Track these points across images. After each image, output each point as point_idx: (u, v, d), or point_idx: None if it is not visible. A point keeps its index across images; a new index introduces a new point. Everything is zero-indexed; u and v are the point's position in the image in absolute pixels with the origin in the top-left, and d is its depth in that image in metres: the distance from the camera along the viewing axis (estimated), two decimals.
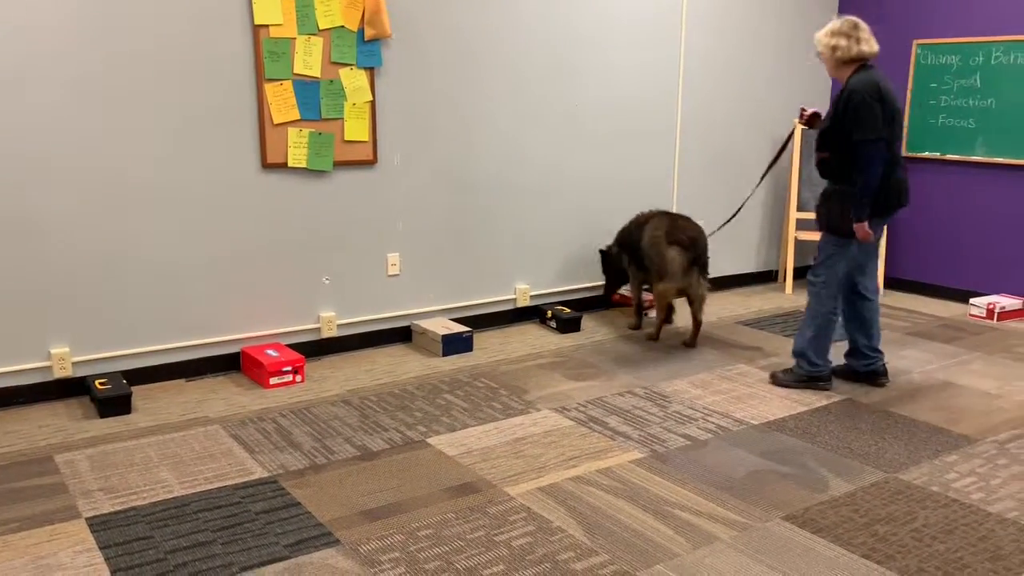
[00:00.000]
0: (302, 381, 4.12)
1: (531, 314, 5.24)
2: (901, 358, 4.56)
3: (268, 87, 4.10)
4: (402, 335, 4.78)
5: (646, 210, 5.24)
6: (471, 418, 3.68)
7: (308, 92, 4.21)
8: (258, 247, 4.24)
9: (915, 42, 5.85)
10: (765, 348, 4.72)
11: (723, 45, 5.74)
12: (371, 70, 4.37)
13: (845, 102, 3.69)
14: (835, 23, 3.80)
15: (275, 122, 4.15)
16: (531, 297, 5.20)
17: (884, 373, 4.11)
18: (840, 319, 4.07)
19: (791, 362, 4.45)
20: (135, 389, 3.98)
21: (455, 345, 4.56)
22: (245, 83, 4.06)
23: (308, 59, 4.17)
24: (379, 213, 4.58)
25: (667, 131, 5.59)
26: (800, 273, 6.52)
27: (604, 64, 5.22)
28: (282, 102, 4.15)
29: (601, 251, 5.20)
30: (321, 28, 4.17)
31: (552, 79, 5.03)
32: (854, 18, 3.80)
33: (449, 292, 4.91)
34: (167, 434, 3.49)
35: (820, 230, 3.93)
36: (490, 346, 4.73)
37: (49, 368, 3.81)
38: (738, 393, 4.01)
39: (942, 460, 3.29)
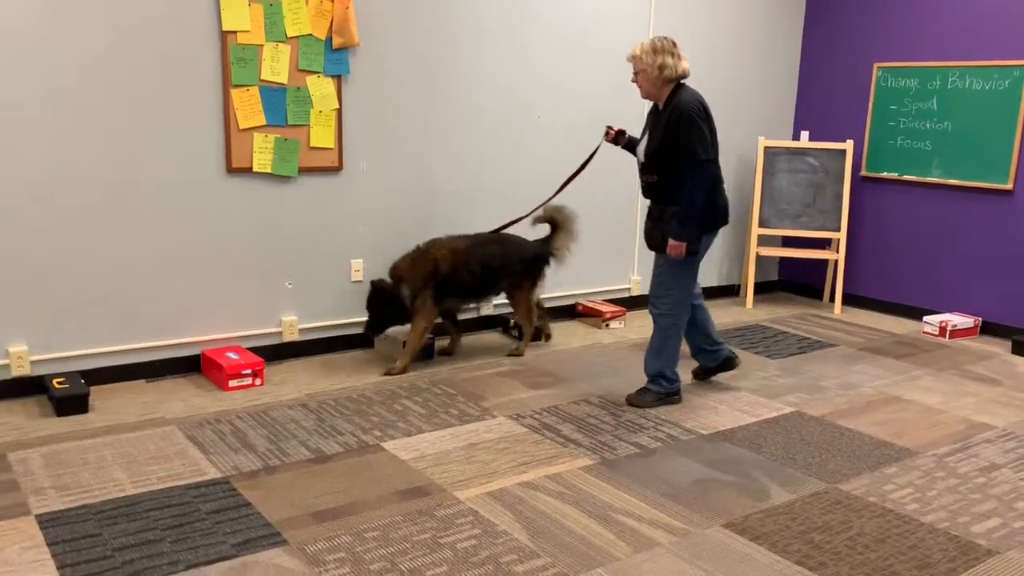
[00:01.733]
0: (261, 384, 4.16)
1: (494, 323, 5.30)
2: (853, 373, 4.67)
3: (235, 92, 4.14)
4: (364, 341, 4.82)
5: (430, 241, 4.53)
6: (427, 423, 3.73)
7: (275, 98, 4.25)
8: (221, 250, 4.28)
9: (876, 65, 6.00)
10: None
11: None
12: (338, 78, 4.43)
13: (676, 122, 3.64)
14: (654, 41, 3.70)
15: (241, 127, 4.19)
16: (493, 306, 5.26)
17: (734, 356, 4.30)
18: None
19: (748, 373, 4.55)
20: (94, 389, 3.99)
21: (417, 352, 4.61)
22: (211, 88, 4.10)
23: (275, 66, 4.22)
24: (343, 219, 4.63)
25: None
26: (762, 288, 6.64)
27: (565, 77, 5.30)
28: (248, 108, 4.19)
29: (378, 288, 4.40)
30: (289, 36, 4.23)
31: (515, 90, 5.11)
32: (668, 36, 3.75)
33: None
34: (123, 434, 3.51)
35: (658, 252, 3.89)
36: (455, 353, 4.78)
37: (7, 366, 3.82)
38: (691, 404, 4.09)
39: (882, 472, 3.39)
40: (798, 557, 2.72)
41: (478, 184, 5.07)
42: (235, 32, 4.09)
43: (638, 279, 5.92)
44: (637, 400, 4.02)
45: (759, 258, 6.49)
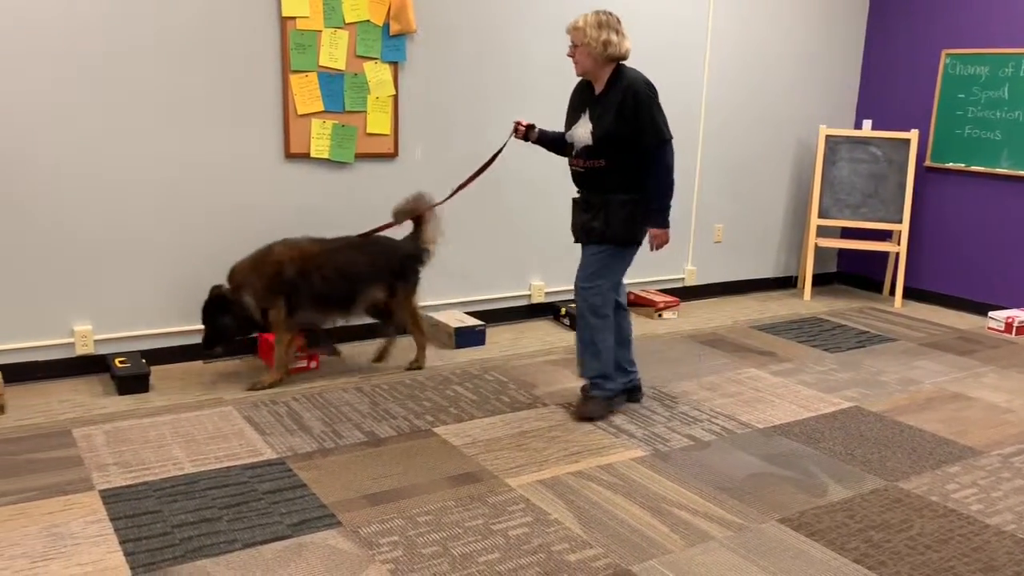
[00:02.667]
0: (316, 367, 4.21)
1: (545, 311, 5.28)
2: (914, 368, 4.55)
3: (293, 78, 4.18)
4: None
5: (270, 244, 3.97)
6: (478, 410, 3.74)
7: (333, 84, 4.28)
8: (279, 234, 4.32)
9: (944, 51, 5.81)
10: (779, 353, 4.73)
11: (746, 53, 5.74)
12: (395, 64, 4.44)
13: (635, 103, 3.37)
14: (598, 15, 3.40)
15: (299, 113, 4.23)
16: (545, 294, 5.25)
17: (640, 388, 3.90)
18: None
19: (805, 367, 4.46)
20: (154, 369, 4.08)
21: (468, 338, 4.62)
22: (271, 74, 4.15)
23: (334, 52, 4.24)
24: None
25: (689, 139, 5.60)
26: (820, 280, 6.51)
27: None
28: (307, 93, 4.23)
29: (215, 296, 3.87)
30: (347, 22, 4.25)
31: (571, 77, 5.05)
32: (613, 12, 3.46)
33: (464, 286, 4.97)
34: (181, 413, 3.58)
35: (592, 243, 3.56)
36: (502, 341, 4.78)
37: (72, 345, 3.92)
38: (746, 397, 4.03)
39: (944, 471, 3.29)
40: (856, 555, 2.66)
41: (531, 170, 5.04)
42: (294, 18, 4.12)
43: (693, 269, 5.84)
44: (586, 412, 3.66)
45: (818, 249, 6.36)
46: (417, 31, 4.46)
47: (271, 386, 3.91)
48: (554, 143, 3.79)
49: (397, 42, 4.42)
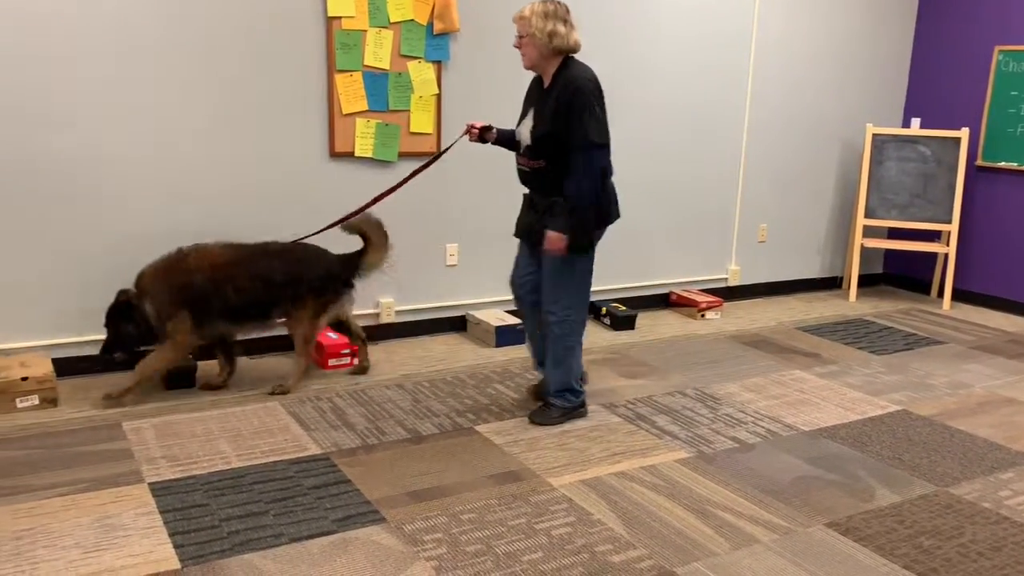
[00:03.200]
0: (357, 364, 4.24)
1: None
2: (963, 371, 4.45)
3: (339, 77, 4.22)
4: (457, 324, 4.87)
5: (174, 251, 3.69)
6: (520, 408, 3.74)
7: (377, 84, 4.31)
8: (323, 233, 4.36)
9: (997, 48, 5.68)
10: (824, 355, 4.66)
11: (791, 49, 5.66)
12: (438, 63, 4.46)
13: (570, 100, 3.18)
14: (545, 4, 3.22)
15: (344, 112, 4.27)
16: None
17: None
18: (527, 335, 3.75)
19: (851, 369, 4.40)
20: (201, 364, 4.13)
21: (508, 337, 4.63)
22: (316, 73, 4.19)
23: (378, 51, 4.27)
24: (440, 204, 4.66)
25: (733, 137, 5.55)
26: (866, 281, 6.40)
27: (670, 67, 5.20)
28: (352, 93, 4.26)
29: (120, 301, 3.61)
30: (392, 21, 4.27)
31: (616, 80, 5.04)
32: (563, 2, 3.26)
33: (505, 284, 4.97)
34: (228, 408, 3.64)
35: (552, 252, 3.37)
36: None
37: None
38: (791, 399, 3.98)
39: (997, 477, 3.22)
40: (906, 561, 2.62)
41: None
42: (340, 18, 4.15)
43: (737, 269, 5.78)
44: (541, 418, 3.56)
45: (864, 250, 6.25)
46: (461, 30, 4.47)
47: (123, 396, 3.58)
48: (510, 142, 3.58)
49: (441, 41, 4.43)
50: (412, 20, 4.32)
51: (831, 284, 6.30)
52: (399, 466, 3.15)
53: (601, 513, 2.85)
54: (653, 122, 5.23)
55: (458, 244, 4.77)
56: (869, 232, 6.18)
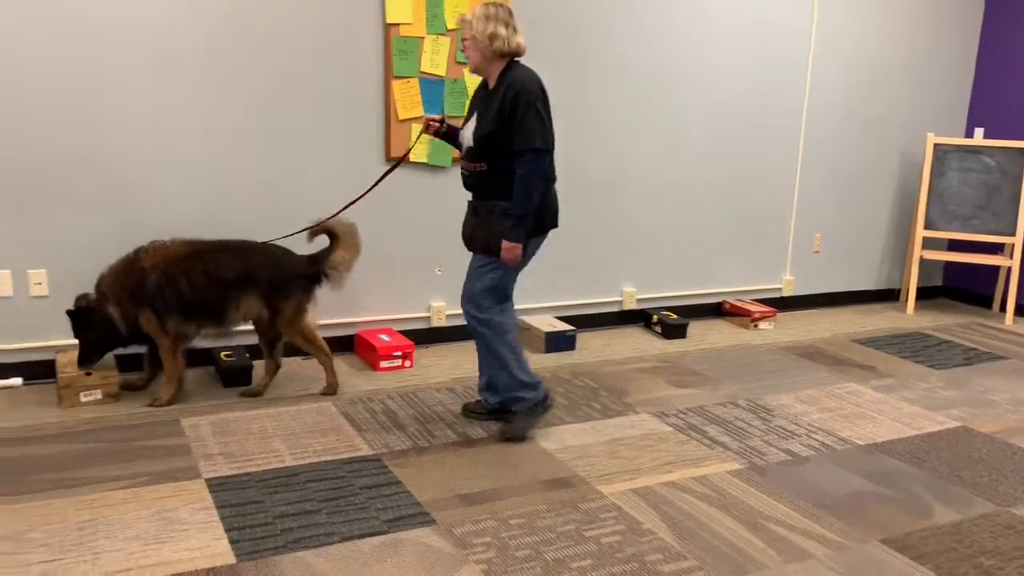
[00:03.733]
0: (411, 366, 4.28)
1: (636, 317, 5.24)
2: None
3: (395, 84, 4.27)
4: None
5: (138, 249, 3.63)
6: (569, 415, 3.73)
7: (433, 90, 4.35)
8: (377, 236, 4.43)
9: None
10: (880, 368, 4.57)
11: (851, 56, 5.57)
12: None
13: (513, 103, 3.13)
14: (487, 7, 3.19)
15: (400, 118, 4.32)
16: (637, 300, 5.21)
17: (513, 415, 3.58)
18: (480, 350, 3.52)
19: (908, 383, 4.30)
20: (256, 363, 4.22)
21: (558, 343, 4.63)
22: (374, 79, 4.25)
23: (435, 58, 4.32)
24: None
25: (788, 144, 5.48)
26: (924, 294, 6.26)
27: (723, 69, 5.16)
28: (408, 99, 4.31)
29: (80, 308, 3.58)
30: (449, 28, 4.31)
31: (668, 82, 5.02)
32: (506, 3, 3.23)
33: (555, 290, 4.98)
34: (282, 407, 3.70)
35: (480, 253, 3.36)
36: (593, 346, 4.77)
37: None
38: (846, 412, 3.91)
39: None
40: None
41: (627, 178, 5.01)
42: (398, 24, 4.21)
43: (791, 279, 5.70)
44: (513, 432, 3.45)
45: (923, 261, 6.12)
46: None
47: (170, 402, 3.66)
48: (454, 140, 3.52)
49: None
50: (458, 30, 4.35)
51: (888, 296, 6.18)
52: (449, 469, 3.17)
53: (651, 522, 2.83)
54: (707, 127, 5.19)
55: None
56: (928, 244, 6.04)
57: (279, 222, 4.19)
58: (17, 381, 3.81)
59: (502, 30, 3.16)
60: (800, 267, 5.74)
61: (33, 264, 3.79)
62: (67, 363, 3.66)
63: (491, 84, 3.28)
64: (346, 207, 3.87)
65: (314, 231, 3.78)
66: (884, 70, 5.70)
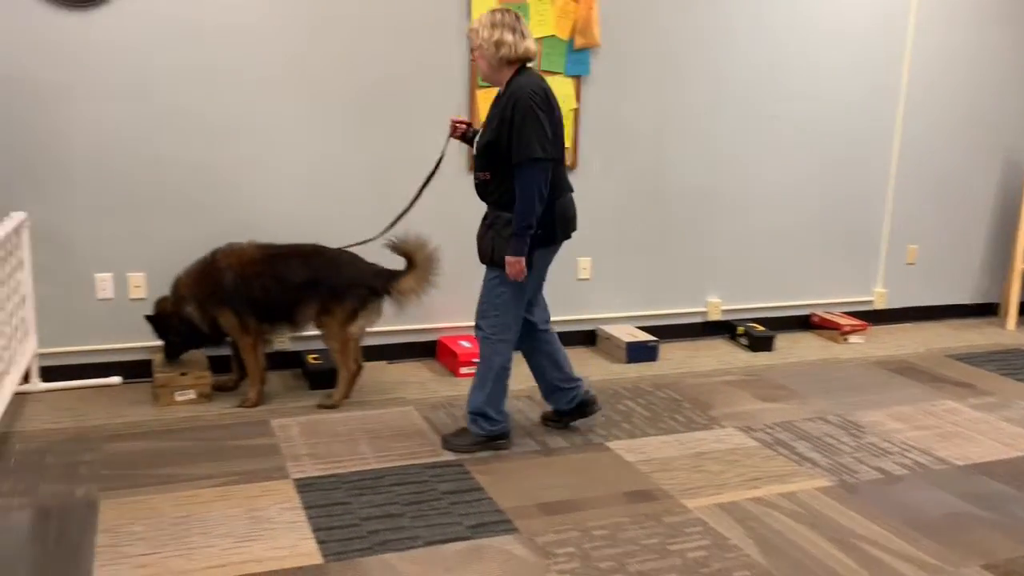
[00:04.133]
0: None
1: (721, 329, 5.15)
2: None
3: (480, 93, 4.31)
4: (587, 338, 4.86)
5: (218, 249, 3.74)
6: (651, 427, 3.69)
7: None
8: (460, 243, 4.45)
9: None
10: (978, 386, 4.38)
11: (951, 55, 5.36)
12: (578, 78, 4.48)
13: (511, 111, 3.05)
14: (493, 14, 3.11)
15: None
16: (722, 312, 5.11)
17: (593, 400, 3.60)
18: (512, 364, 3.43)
19: (1010, 402, 4.11)
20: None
21: (640, 353, 4.58)
22: (459, 88, 4.29)
23: None
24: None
25: (880, 150, 5.30)
26: None
27: (813, 75, 5.03)
28: None
29: (158, 313, 3.76)
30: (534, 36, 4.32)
31: (757, 91, 4.92)
32: (514, 9, 3.16)
33: (637, 300, 4.93)
34: (367, 410, 3.76)
35: (485, 264, 3.30)
36: (675, 357, 4.70)
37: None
38: (943, 430, 3.75)
39: None
40: None
41: (714, 186, 4.94)
42: None
43: (883, 291, 5.51)
44: (453, 443, 3.39)
45: None
46: (602, 45, 4.48)
47: (256, 402, 3.75)
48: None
49: (581, 56, 4.45)
50: (553, 35, 4.37)
51: (986, 311, 5.91)
52: (530, 477, 3.16)
53: (737, 538, 2.77)
54: (798, 132, 5.07)
55: (591, 258, 4.76)
56: None
57: (372, 226, 4.26)
58: (116, 380, 3.97)
59: (508, 36, 3.08)
60: (893, 279, 5.55)
61: (133, 267, 3.95)
62: (163, 364, 3.80)
63: (501, 92, 3.22)
64: (393, 223, 3.78)
65: (393, 249, 3.78)
66: (986, 69, 5.47)
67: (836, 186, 5.24)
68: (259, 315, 3.68)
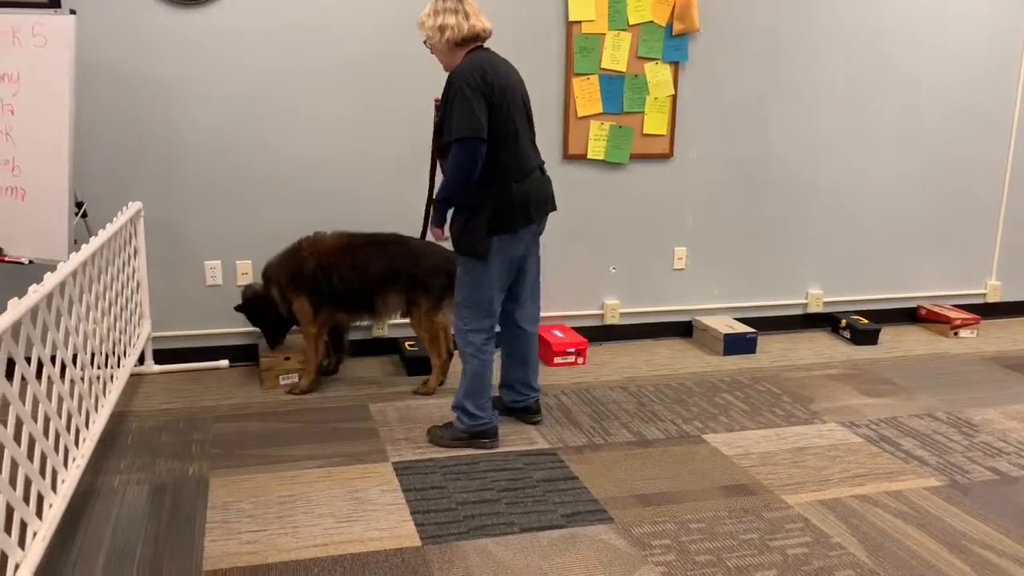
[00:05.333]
0: (583, 363, 4.29)
1: (822, 321, 4.99)
2: None
3: (576, 81, 4.29)
4: (682, 330, 4.79)
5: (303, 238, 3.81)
6: (750, 421, 3.61)
7: (613, 86, 4.34)
8: (553, 233, 4.45)
9: None
10: None
11: None
12: (675, 64, 4.41)
13: (445, 93, 2.99)
14: (435, 1, 3.06)
15: (579, 115, 4.33)
16: (824, 303, 4.96)
17: (537, 410, 3.53)
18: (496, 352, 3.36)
19: None
20: None
21: (737, 345, 4.49)
22: (555, 77, 4.28)
23: (616, 54, 4.29)
24: (670, 207, 4.61)
25: (995, 136, 5.03)
26: None
27: (920, 59, 4.81)
28: (587, 96, 4.31)
29: (245, 300, 3.88)
30: (631, 24, 4.28)
31: (862, 77, 4.73)
32: None
33: (735, 291, 4.83)
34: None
35: (456, 255, 3.21)
36: (774, 350, 4.59)
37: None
38: None
39: None
40: None
41: (816, 174, 4.78)
42: (580, 22, 4.22)
43: (997, 284, 5.24)
44: (436, 434, 3.33)
45: None
46: (700, 30, 4.39)
47: (308, 390, 3.81)
48: None
49: (679, 42, 4.38)
50: (651, 22, 4.31)
51: None
52: (625, 468, 3.15)
53: (841, 536, 2.69)
54: (907, 117, 4.86)
55: (687, 248, 4.69)
56: None
57: None
58: (224, 363, 4.13)
59: (451, 19, 3.03)
60: (1009, 271, 5.26)
61: (240, 256, 4.10)
62: (267, 348, 3.94)
63: None
64: (424, 234, 3.62)
65: None
66: None
67: (946, 174, 5.00)
68: (338, 303, 3.72)
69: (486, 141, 2.97)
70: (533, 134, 3.25)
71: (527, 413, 3.55)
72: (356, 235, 3.80)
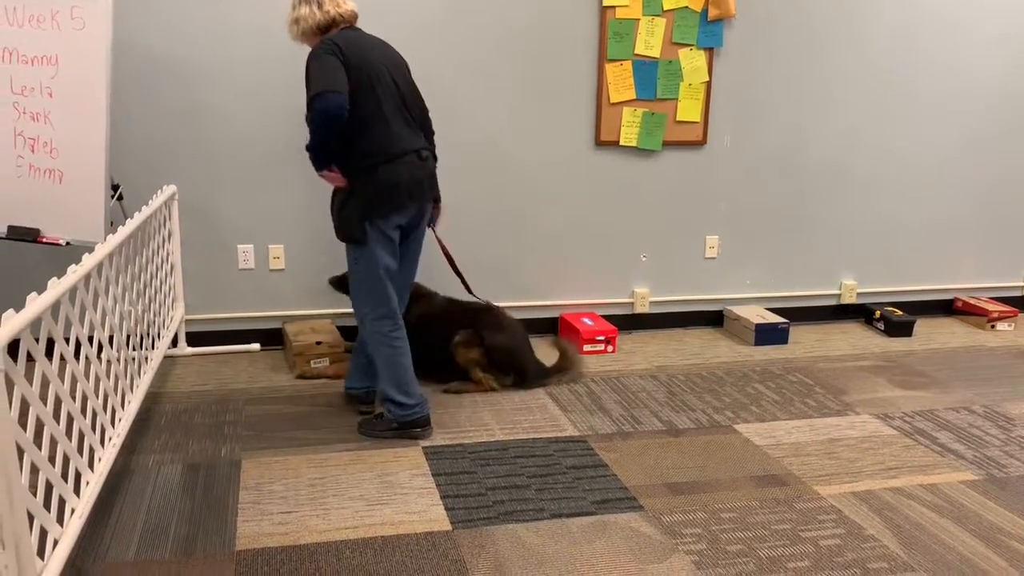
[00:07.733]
0: (613, 351, 4.27)
1: (856, 312, 4.93)
2: None
3: (609, 67, 4.25)
4: (713, 319, 4.75)
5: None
6: (782, 411, 3.58)
7: (646, 72, 4.30)
8: (584, 220, 4.44)
9: None
10: None
11: None
12: (710, 50, 4.36)
13: (305, 66, 2.96)
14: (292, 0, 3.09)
15: (612, 101, 4.30)
16: (858, 294, 4.89)
17: (369, 403, 3.43)
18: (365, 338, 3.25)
19: None
20: None
21: (769, 335, 4.44)
22: (587, 63, 4.25)
23: (650, 40, 4.25)
24: (702, 194, 4.57)
25: None
26: None
27: (959, 45, 4.71)
28: (620, 82, 4.28)
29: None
30: (665, 9, 4.23)
31: (900, 64, 4.65)
32: None
33: (767, 280, 4.78)
34: None
35: (344, 242, 3.13)
36: (807, 341, 4.54)
37: None
38: None
39: None
40: None
41: (852, 163, 4.71)
42: (614, 7, 4.18)
43: None
44: (366, 427, 3.27)
45: None
46: (736, 16, 4.33)
47: (337, 376, 3.84)
48: None
49: (714, 28, 4.32)
50: (686, 7, 4.26)
51: None
52: (655, 456, 3.13)
53: (874, 528, 2.66)
54: (943, 104, 4.77)
55: (718, 236, 4.65)
56: None
57: (486, 203, 4.29)
58: (255, 346, 4.17)
59: (304, 10, 3.05)
60: None
61: (273, 240, 4.13)
62: (296, 332, 3.96)
63: None
64: (449, 258, 3.54)
65: (554, 343, 4.08)
66: None
67: (984, 164, 4.91)
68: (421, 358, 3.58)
69: (343, 94, 2.87)
70: (417, 117, 3.16)
71: (356, 401, 3.47)
72: (452, 302, 3.88)
